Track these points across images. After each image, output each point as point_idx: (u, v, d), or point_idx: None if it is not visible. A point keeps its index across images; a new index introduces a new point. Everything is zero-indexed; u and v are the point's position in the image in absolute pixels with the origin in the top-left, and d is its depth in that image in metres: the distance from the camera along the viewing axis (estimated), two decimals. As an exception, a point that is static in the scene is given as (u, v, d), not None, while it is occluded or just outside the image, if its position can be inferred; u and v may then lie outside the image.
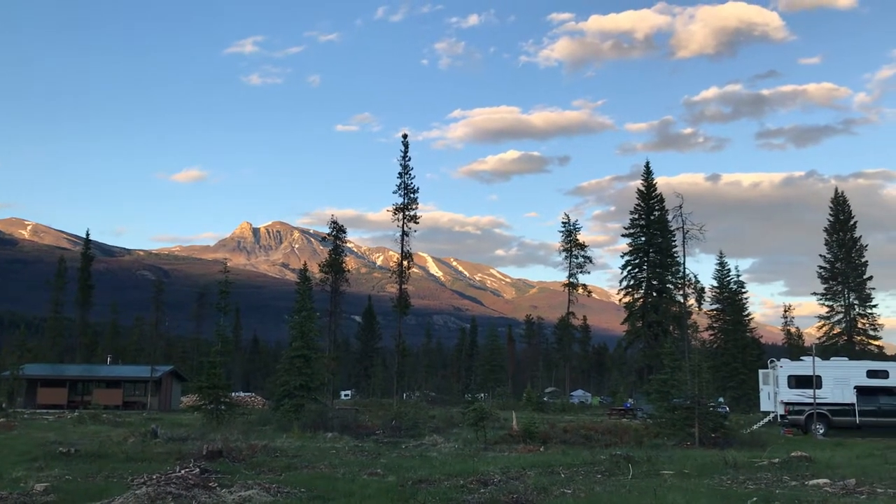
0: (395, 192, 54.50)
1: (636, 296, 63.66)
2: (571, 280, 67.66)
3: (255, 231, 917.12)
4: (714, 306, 70.79)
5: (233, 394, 41.77)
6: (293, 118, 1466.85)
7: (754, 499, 11.59)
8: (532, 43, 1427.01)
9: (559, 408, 60.13)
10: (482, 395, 74.65)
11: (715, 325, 70.93)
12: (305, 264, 78.50)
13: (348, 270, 62.23)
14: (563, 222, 68.40)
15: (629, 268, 64.06)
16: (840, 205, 65.01)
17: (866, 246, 64.04)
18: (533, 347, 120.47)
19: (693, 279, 59.30)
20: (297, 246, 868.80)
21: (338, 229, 61.01)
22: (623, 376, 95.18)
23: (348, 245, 77.64)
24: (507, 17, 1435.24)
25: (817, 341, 62.90)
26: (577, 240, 67.78)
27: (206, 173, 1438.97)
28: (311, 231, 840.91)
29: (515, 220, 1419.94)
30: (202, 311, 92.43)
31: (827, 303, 63.96)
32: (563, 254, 68.18)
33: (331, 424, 27.36)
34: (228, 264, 46.20)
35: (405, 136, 56.21)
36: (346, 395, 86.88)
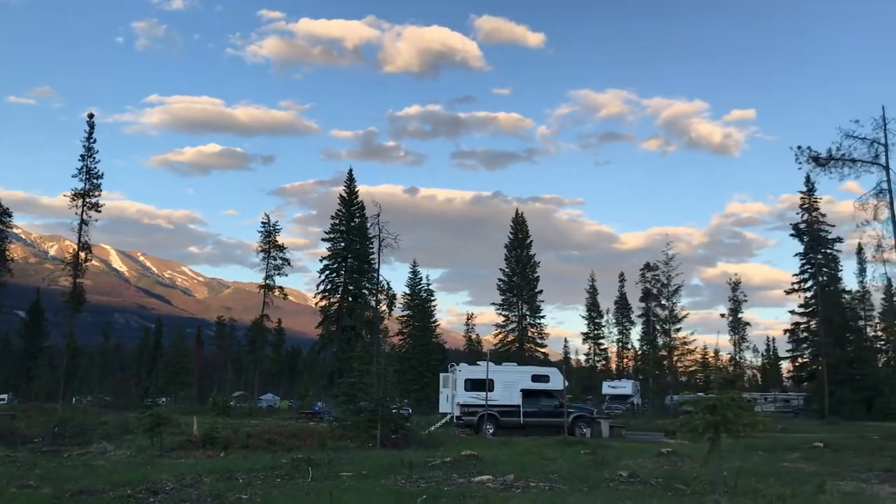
0: (75, 176, 49.57)
1: (332, 300, 64.37)
2: (268, 282, 66.43)
3: None
4: (405, 312, 73.97)
5: None
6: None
7: (424, 497, 11.96)
8: (240, 37, 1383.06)
9: (246, 412, 58.45)
10: (164, 399, 70.27)
11: (405, 330, 74.15)
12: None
13: (13, 259, 55.16)
14: (262, 222, 66.94)
15: (327, 272, 64.63)
16: (519, 224, 71.71)
17: (539, 263, 71.40)
18: (223, 350, 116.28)
19: (386, 286, 61.53)
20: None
21: (2, 212, 53.80)
22: (314, 380, 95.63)
23: (15, 231, 68.76)
24: (215, 5, 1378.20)
25: (493, 347, 68.68)
26: (277, 241, 66.72)
27: None
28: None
29: (213, 216, 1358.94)
30: None
31: (504, 312, 70.14)
32: (262, 254, 66.70)
33: (-28, 433, 23.70)
34: None
35: (91, 116, 51.39)
36: (0, 399, 76.72)
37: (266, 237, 66.51)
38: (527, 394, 32.52)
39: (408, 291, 73.76)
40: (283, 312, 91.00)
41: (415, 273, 74.03)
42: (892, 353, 63.78)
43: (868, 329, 74.38)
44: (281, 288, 66.97)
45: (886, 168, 28.36)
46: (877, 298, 70.71)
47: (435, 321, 75.10)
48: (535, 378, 33.89)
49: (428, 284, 74.89)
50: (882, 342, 71.73)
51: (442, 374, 38.33)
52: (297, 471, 15.25)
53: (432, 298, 74.67)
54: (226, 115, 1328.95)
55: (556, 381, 33.52)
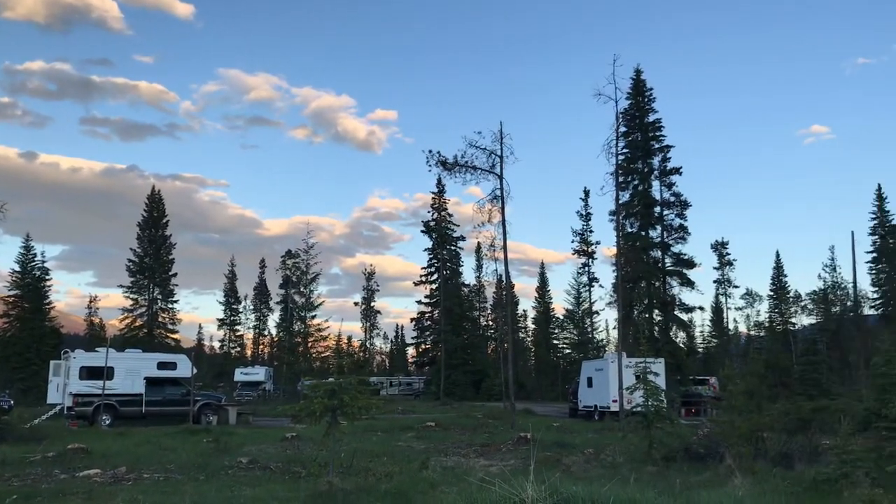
0: None
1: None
2: None
3: None
4: (13, 292, 65.29)
5: None
6: None
7: (14, 497, 10.65)
8: None
9: None
10: None
11: (12, 312, 65.41)
12: None
13: None
14: None
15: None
16: (156, 202, 67.52)
17: (175, 244, 67.96)
18: None
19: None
20: None
21: None
22: None
23: None
24: None
25: (118, 333, 63.78)
26: None
27: None
28: None
29: None
30: None
31: (132, 296, 65.45)
32: None
33: None
34: None
35: None
36: None
37: None
38: (151, 382, 30.84)
39: (17, 269, 65.12)
40: None
41: (28, 248, 65.56)
42: (499, 340, 72.29)
43: (482, 319, 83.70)
44: None
45: (500, 177, 32.01)
46: (489, 292, 79.80)
47: (49, 303, 67.22)
48: (162, 365, 32.28)
49: (43, 262, 66.81)
50: (492, 331, 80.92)
51: (53, 362, 34.74)
52: None
53: (47, 277, 66.78)
54: None
55: (184, 369, 32.26)
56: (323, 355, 67.53)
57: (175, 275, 67.31)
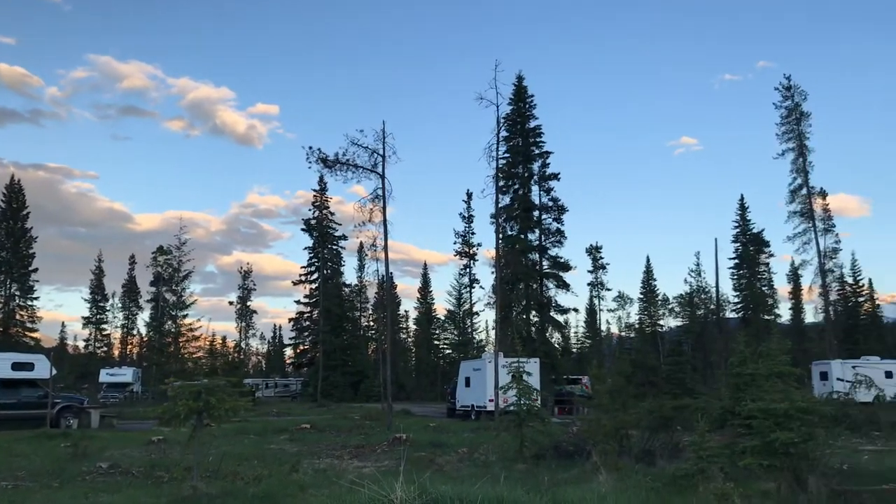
0: None
1: None
2: None
3: None
4: None
5: None
6: None
7: None
8: None
9: None
10: None
11: None
12: None
13: None
14: None
15: None
16: (15, 193, 63.35)
17: (37, 238, 63.91)
18: None
19: None
20: None
21: None
22: None
23: None
24: None
25: (-31, 332, 59.29)
26: None
27: None
28: None
29: None
30: None
31: (-12, 292, 61.12)
32: None
33: None
34: None
35: None
36: None
37: None
38: (5, 384, 28.76)
39: None
40: None
41: None
42: (380, 341, 72.00)
43: (363, 319, 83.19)
44: None
45: (382, 176, 31.83)
46: (371, 292, 79.42)
47: None
48: (17, 366, 30.14)
49: None
50: (373, 331, 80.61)
51: None
52: None
53: None
54: None
55: (43, 370, 30.25)
56: (195, 356, 65.25)
57: (35, 270, 63.38)
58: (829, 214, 55.23)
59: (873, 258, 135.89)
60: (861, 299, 70.59)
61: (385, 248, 33.22)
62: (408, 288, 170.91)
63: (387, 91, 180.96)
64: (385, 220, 32.53)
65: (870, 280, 72.39)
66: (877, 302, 72.29)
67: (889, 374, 38.28)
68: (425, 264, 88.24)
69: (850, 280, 69.48)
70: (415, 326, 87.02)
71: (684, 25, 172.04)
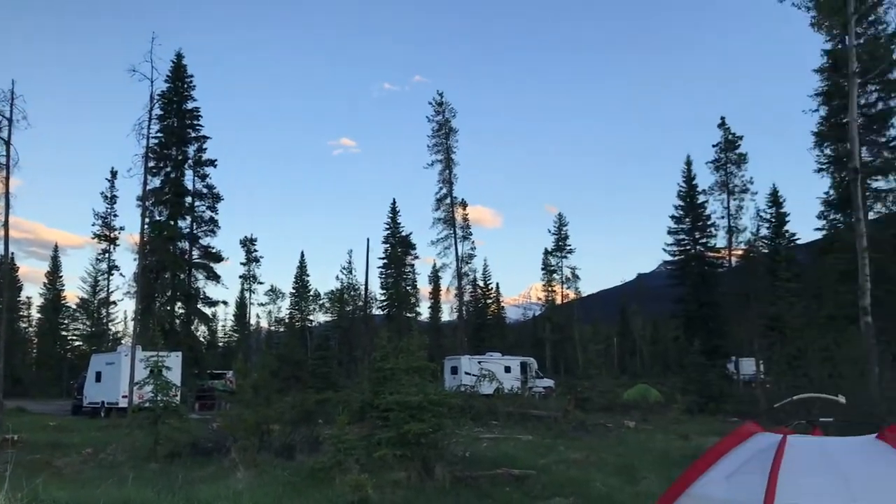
0: None
1: None
2: None
3: None
4: None
5: None
6: None
7: None
8: None
9: None
10: None
11: None
12: None
13: None
14: None
15: None
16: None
17: None
18: None
19: None
20: None
21: None
22: None
23: None
24: None
25: None
26: None
27: None
28: None
29: None
30: None
31: None
32: None
33: None
34: None
35: None
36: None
37: None
38: None
39: None
40: None
41: None
42: None
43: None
44: None
45: (8, 143, 27.76)
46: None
47: None
48: None
49: None
50: None
51: None
52: None
53: None
54: None
55: None
56: None
57: None
58: (468, 223, 60.83)
59: (501, 265, 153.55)
60: (489, 301, 79.36)
61: (6, 225, 29.04)
62: (33, 271, 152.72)
63: (20, 45, 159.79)
64: (7, 193, 28.49)
65: (497, 284, 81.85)
66: (502, 304, 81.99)
67: (507, 369, 42.92)
68: (56, 246, 79.21)
69: (481, 283, 77.68)
70: (39, 315, 77.68)
71: (353, 33, 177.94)
